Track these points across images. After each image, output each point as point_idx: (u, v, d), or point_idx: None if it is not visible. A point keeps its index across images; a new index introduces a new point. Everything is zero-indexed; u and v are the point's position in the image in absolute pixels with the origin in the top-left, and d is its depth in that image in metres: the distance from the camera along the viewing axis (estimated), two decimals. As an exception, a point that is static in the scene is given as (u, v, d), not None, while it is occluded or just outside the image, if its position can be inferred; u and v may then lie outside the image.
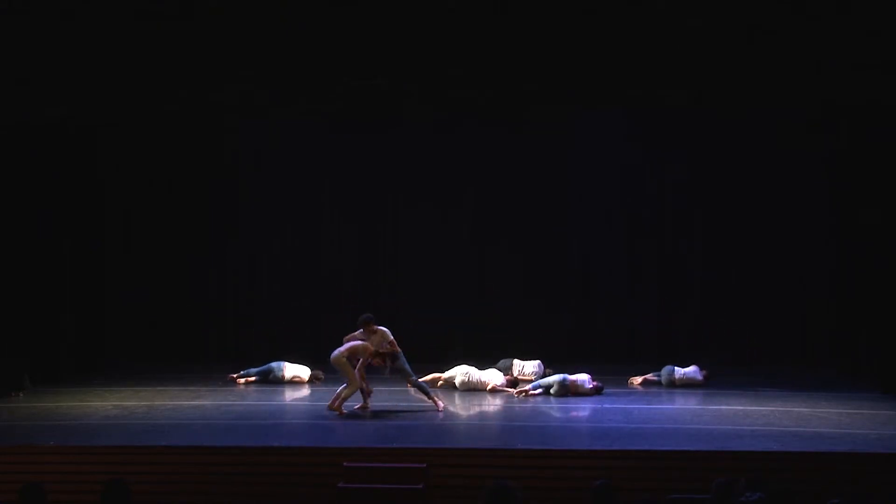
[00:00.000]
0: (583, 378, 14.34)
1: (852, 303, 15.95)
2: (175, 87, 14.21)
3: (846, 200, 16.16)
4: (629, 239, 17.50)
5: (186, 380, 15.46)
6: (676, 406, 13.83)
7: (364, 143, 17.57)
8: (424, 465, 10.65)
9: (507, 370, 15.06)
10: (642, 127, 17.29)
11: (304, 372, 15.44)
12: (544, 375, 14.93)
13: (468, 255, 17.53)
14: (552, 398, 14.09)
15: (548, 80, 14.30)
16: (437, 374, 14.84)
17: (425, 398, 13.10)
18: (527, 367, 15.27)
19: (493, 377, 14.66)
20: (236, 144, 17.74)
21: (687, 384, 15.00)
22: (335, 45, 12.52)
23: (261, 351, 16.36)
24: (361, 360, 12.67)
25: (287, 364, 15.51)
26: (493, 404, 13.95)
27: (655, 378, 15.19)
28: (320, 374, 15.28)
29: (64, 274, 16.26)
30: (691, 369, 15.18)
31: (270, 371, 15.42)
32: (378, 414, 12.85)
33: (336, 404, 12.69)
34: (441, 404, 13.02)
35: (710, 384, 14.97)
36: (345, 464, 10.69)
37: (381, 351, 12.79)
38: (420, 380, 14.25)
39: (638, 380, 15.21)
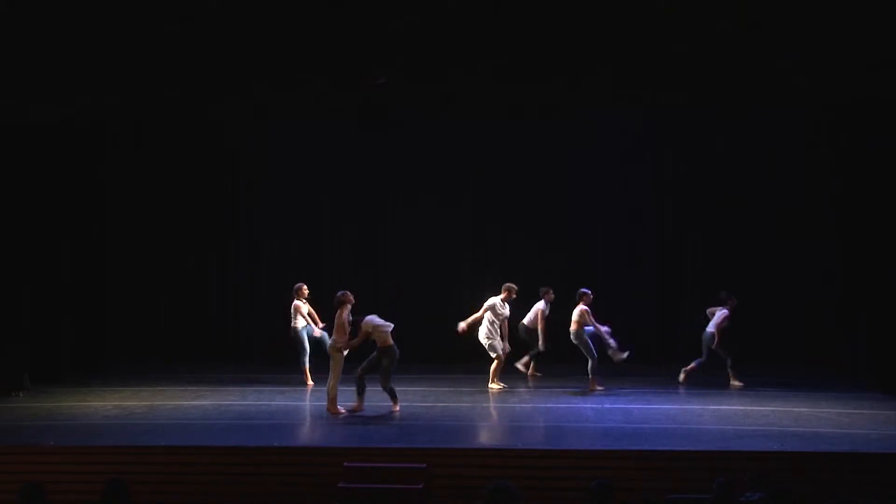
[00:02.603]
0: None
1: (852, 303, 15.95)
2: (175, 87, 14.22)
3: (847, 200, 16.16)
4: (629, 238, 17.54)
5: (186, 380, 15.49)
6: (676, 406, 13.82)
7: (364, 142, 17.59)
8: (424, 465, 10.67)
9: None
10: (642, 127, 17.31)
11: (303, 309, 15.22)
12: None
13: (467, 255, 17.55)
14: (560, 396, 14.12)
15: (548, 80, 14.30)
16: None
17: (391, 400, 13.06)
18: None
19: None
20: (236, 144, 17.75)
21: (721, 327, 14.95)
22: (335, 45, 12.51)
23: (261, 351, 16.34)
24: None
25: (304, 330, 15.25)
26: (492, 404, 13.95)
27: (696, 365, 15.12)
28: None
29: (64, 274, 16.27)
30: (715, 313, 15.09)
31: (305, 341, 15.15)
32: (378, 414, 12.86)
33: (333, 407, 12.71)
34: (397, 408, 12.99)
35: (711, 384, 14.92)
36: (345, 464, 10.71)
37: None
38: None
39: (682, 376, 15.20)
